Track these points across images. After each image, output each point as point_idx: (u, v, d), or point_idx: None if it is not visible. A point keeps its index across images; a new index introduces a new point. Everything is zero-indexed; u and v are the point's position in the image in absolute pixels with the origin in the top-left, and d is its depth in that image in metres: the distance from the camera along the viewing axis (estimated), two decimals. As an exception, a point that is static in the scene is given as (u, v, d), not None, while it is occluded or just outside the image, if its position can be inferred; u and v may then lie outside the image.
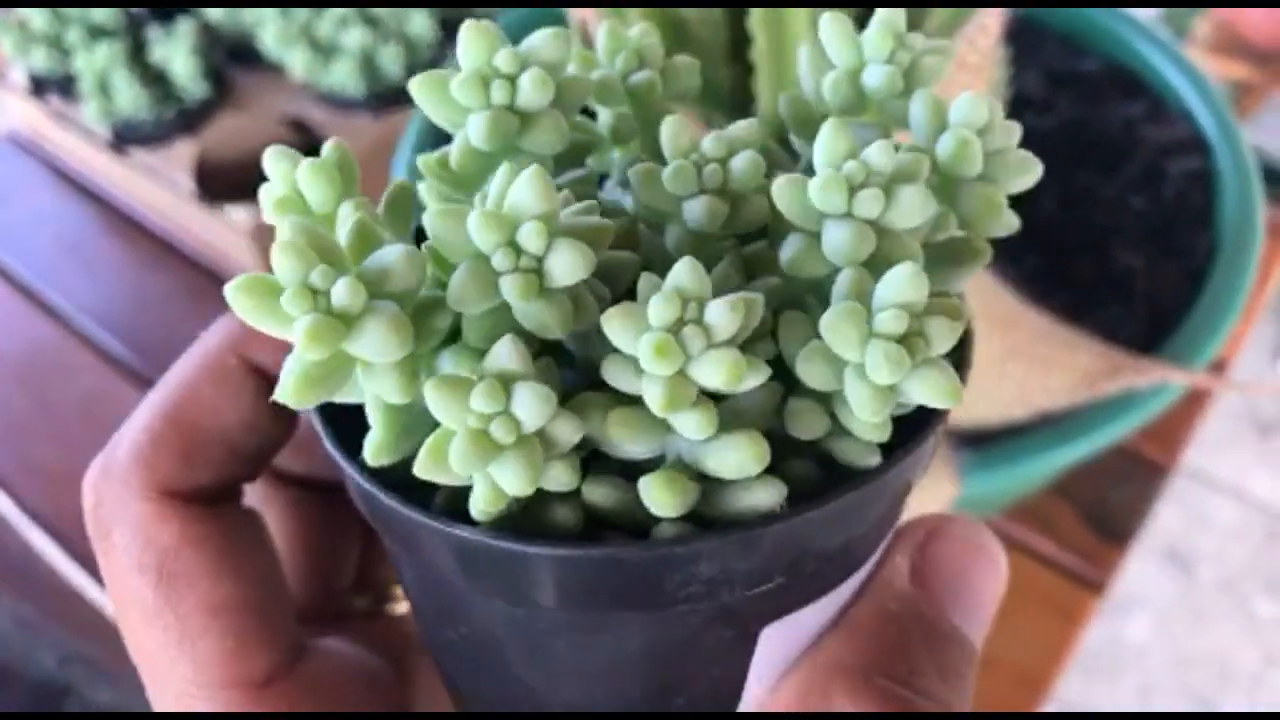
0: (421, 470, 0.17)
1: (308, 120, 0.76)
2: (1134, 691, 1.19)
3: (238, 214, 0.70)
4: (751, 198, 0.19)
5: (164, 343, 0.72)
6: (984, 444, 0.43)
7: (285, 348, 0.17)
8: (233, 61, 0.80)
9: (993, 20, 0.42)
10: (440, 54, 0.76)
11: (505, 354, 0.17)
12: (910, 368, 0.17)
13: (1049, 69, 0.57)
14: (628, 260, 0.19)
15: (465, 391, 0.16)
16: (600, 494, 0.18)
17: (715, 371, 0.16)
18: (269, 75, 0.78)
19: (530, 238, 0.17)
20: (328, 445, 0.20)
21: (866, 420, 0.18)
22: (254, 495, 0.24)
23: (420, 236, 0.21)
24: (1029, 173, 0.20)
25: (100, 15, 0.78)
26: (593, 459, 0.19)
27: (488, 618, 0.20)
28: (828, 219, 0.18)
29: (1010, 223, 0.20)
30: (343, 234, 0.18)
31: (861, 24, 0.21)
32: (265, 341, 0.22)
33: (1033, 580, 0.56)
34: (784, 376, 0.18)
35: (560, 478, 0.17)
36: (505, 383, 0.17)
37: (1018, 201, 0.20)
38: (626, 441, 0.18)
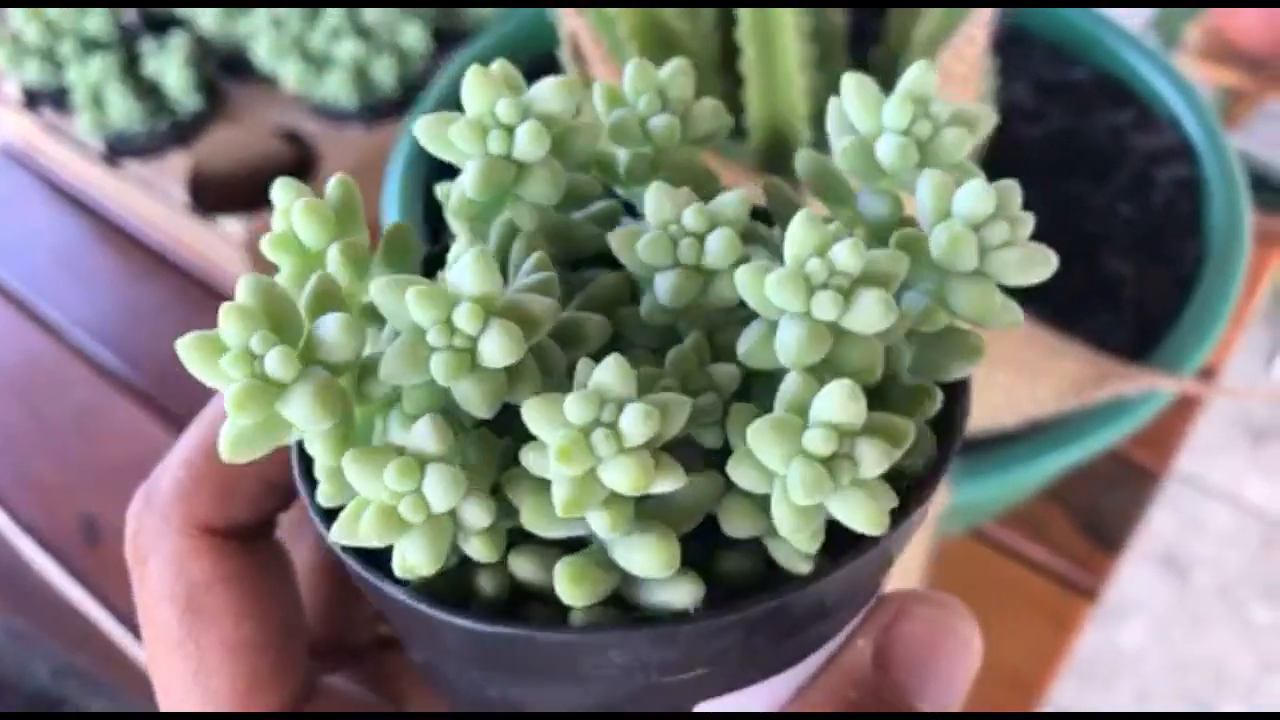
0: (337, 535, 0.18)
1: (300, 132, 0.76)
2: (1130, 697, 1.19)
3: (231, 225, 0.70)
4: (725, 275, 0.19)
5: (158, 355, 0.72)
6: (973, 451, 0.43)
7: None
8: (226, 74, 0.80)
9: (979, 31, 0.43)
10: (433, 66, 0.76)
11: (424, 433, 0.17)
12: (832, 491, 0.16)
13: (1038, 78, 0.57)
14: (594, 325, 0.19)
15: (381, 466, 0.17)
16: (523, 568, 0.18)
17: (622, 477, 0.16)
18: (262, 87, 0.78)
19: (465, 318, 0.17)
20: (297, 478, 0.20)
21: (789, 536, 0.17)
22: (284, 525, 0.25)
23: (429, 267, 0.22)
24: (1034, 268, 0.19)
25: (94, 28, 0.78)
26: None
27: (437, 650, 0.20)
28: (785, 315, 0.18)
29: (1011, 318, 0.20)
30: (332, 269, 0.19)
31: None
32: None
33: (1025, 586, 0.57)
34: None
35: (480, 550, 0.18)
36: (420, 463, 0.17)
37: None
38: (540, 530, 0.18)
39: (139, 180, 0.75)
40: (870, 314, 0.17)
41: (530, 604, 0.19)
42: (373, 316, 0.19)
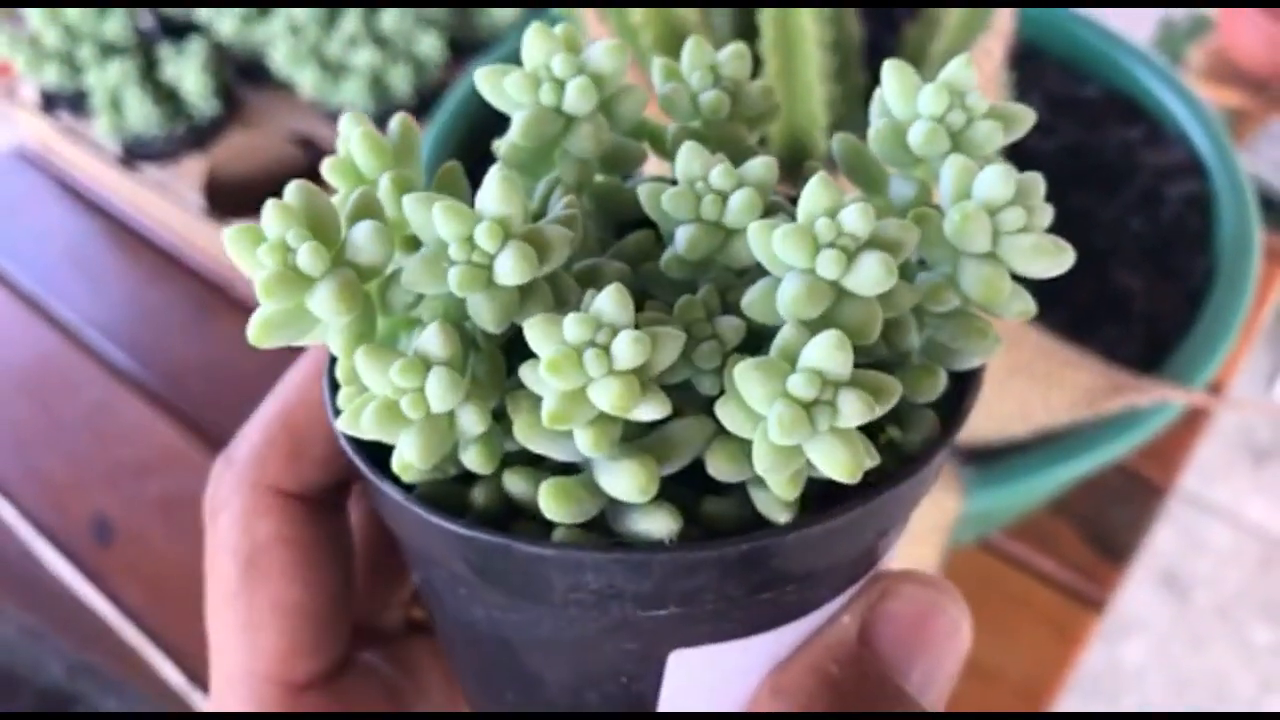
0: (343, 424, 0.19)
1: (316, 138, 0.77)
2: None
3: (246, 229, 0.71)
4: (743, 235, 0.19)
5: (169, 355, 0.72)
6: (985, 460, 0.44)
7: None
8: (243, 80, 0.81)
9: (996, 45, 0.43)
10: (448, 74, 0.77)
11: (432, 337, 0.18)
12: (810, 434, 0.17)
13: (1050, 94, 0.58)
14: (613, 269, 0.20)
15: (388, 364, 0.18)
16: (515, 484, 0.19)
17: (607, 396, 0.17)
18: (278, 93, 0.79)
19: (484, 236, 0.18)
20: (329, 410, 0.21)
21: (765, 475, 0.17)
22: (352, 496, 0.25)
23: None
24: (1049, 258, 0.19)
25: (112, 32, 0.79)
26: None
27: (429, 561, 0.21)
28: (789, 271, 0.18)
29: (1021, 306, 0.20)
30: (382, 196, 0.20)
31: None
32: None
33: (1032, 597, 0.57)
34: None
35: (476, 460, 0.19)
36: (425, 364, 0.18)
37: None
38: (530, 443, 0.18)
39: (154, 183, 0.76)
40: (871, 275, 0.17)
41: (520, 522, 0.20)
42: (413, 247, 0.20)
